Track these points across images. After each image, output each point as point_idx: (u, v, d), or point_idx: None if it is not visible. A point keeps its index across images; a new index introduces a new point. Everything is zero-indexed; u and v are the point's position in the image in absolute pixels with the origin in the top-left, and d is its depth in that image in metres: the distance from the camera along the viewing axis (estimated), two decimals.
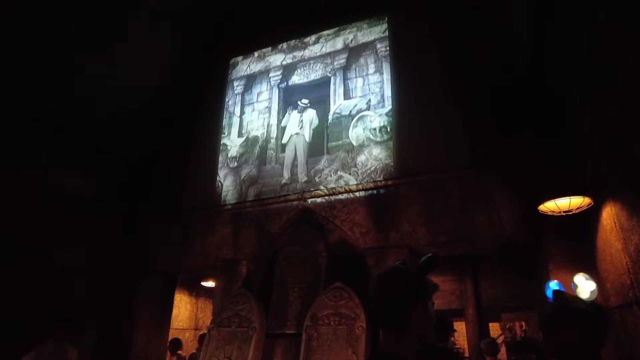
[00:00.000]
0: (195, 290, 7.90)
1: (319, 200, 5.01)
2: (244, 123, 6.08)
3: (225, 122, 6.23)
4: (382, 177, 4.78)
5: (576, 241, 3.71)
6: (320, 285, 4.46)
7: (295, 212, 5.10)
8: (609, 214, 2.98)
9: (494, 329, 7.14)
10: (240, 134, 6.04)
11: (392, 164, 4.82)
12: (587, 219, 3.48)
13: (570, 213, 3.11)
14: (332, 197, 4.94)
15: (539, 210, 3.28)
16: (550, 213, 3.21)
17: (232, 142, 6.05)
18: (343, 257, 4.69)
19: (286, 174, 5.42)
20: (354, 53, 5.67)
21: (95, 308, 5.41)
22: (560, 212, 3.15)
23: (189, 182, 6.05)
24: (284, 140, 5.69)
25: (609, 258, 3.14)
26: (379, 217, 4.63)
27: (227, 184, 5.79)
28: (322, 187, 5.04)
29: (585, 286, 3.80)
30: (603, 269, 3.34)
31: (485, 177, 4.30)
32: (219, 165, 5.99)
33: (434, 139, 4.68)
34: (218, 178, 5.90)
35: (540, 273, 4.39)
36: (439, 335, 4.97)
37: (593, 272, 3.59)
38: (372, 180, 4.82)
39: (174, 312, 8.16)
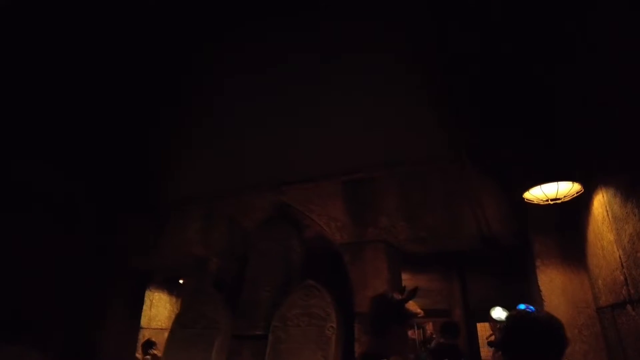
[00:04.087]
0: (176, 290, 7.59)
1: (293, 192, 4.69)
2: None
3: None
4: (360, 168, 4.46)
5: (564, 236, 3.42)
6: (293, 283, 4.14)
7: (269, 204, 4.78)
8: (600, 202, 2.67)
9: (484, 329, 6.85)
10: None
11: (370, 154, 4.50)
12: (576, 211, 3.19)
13: (559, 201, 2.81)
14: (308, 189, 4.62)
15: (524, 199, 2.97)
16: (536, 202, 2.91)
17: None
18: (318, 254, 4.38)
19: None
20: None
21: (63, 310, 5.05)
22: (547, 201, 2.84)
23: (163, 175, 5.71)
24: None
25: (600, 252, 2.84)
26: (356, 211, 4.32)
27: (199, 176, 5.45)
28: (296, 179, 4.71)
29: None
30: (594, 264, 3.04)
31: (469, 169, 3.99)
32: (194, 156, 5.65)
33: (415, 130, 4.36)
34: (190, 170, 5.56)
35: (528, 272, 4.10)
36: (449, 334, 4.72)
37: (583, 270, 3.30)
38: (350, 171, 4.50)
39: (153, 311, 7.82)
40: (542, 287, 3.42)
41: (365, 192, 4.34)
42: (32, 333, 4.38)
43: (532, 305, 3.38)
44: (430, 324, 6.27)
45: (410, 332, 1.60)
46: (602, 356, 3.00)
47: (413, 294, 1.67)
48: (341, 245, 4.23)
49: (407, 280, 5.69)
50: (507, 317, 2.95)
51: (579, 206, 3.07)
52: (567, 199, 2.80)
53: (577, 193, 2.81)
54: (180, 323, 4.15)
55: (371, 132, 4.56)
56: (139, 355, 5.87)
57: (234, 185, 5.10)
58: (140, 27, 4.15)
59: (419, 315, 1.69)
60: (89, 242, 5.42)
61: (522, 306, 5.10)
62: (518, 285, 5.07)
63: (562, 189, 2.73)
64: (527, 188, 2.84)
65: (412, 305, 1.65)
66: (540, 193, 2.79)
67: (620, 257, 2.46)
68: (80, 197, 5.53)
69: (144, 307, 7.75)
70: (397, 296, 1.65)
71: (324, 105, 4.87)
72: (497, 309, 4.64)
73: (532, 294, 3.98)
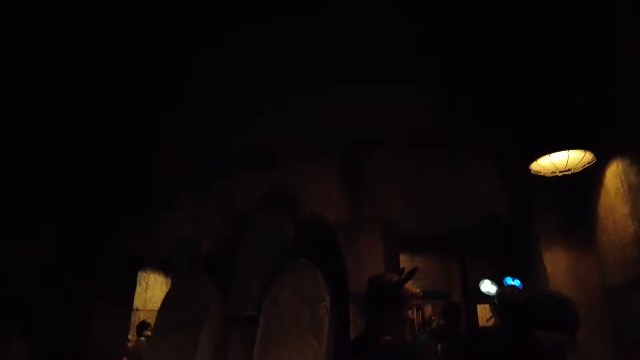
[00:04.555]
0: (172, 272, 7.45)
1: (286, 171, 4.47)
2: None
3: None
4: (355, 143, 4.23)
5: (571, 213, 3.21)
6: (286, 264, 3.96)
7: (261, 184, 4.57)
8: (614, 173, 2.46)
9: (484, 311, 6.72)
10: None
11: (366, 130, 4.26)
12: (585, 186, 2.97)
13: (569, 173, 2.59)
14: (301, 167, 4.40)
15: (530, 172, 2.76)
16: (544, 174, 2.69)
17: None
18: (312, 233, 4.19)
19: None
20: None
21: (51, 297, 4.87)
22: (555, 173, 2.63)
23: (153, 155, 5.48)
24: None
25: (612, 227, 2.64)
26: (351, 189, 4.11)
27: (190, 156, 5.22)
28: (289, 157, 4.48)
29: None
30: (604, 240, 2.85)
31: (468, 142, 3.76)
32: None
33: (412, 104, 4.11)
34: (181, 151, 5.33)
35: (531, 252, 3.91)
36: (450, 317, 4.57)
37: (591, 248, 3.11)
38: (344, 146, 4.27)
39: (149, 293, 7.71)
40: (547, 267, 3.24)
41: (361, 169, 4.12)
42: (17, 319, 4.23)
43: (538, 283, 3.20)
44: (430, 306, 6.14)
45: (409, 313, 1.50)
46: (610, 337, 2.83)
47: (412, 274, 1.61)
48: (336, 224, 4.04)
49: (405, 262, 5.50)
50: (499, 294, 2.78)
51: (588, 179, 2.86)
52: (577, 169, 2.59)
53: (588, 163, 2.59)
54: (168, 305, 3.98)
55: (367, 108, 4.33)
56: (131, 337, 5.75)
57: (225, 166, 4.89)
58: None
59: (418, 296, 1.65)
60: (75, 224, 5.23)
61: (508, 280, 4.96)
62: (520, 267, 4.91)
63: (573, 159, 2.51)
64: (534, 158, 2.62)
65: (410, 286, 1.61)
66: (549, 164, 2.58)
67: (635, 231, 2.26)
68: (64, 178, 5.31)
69: (140, 289, 7.64)
70: (396, 277, 1.61)
71: (318, 80, 4.63)
72: (485, 281, 4.47)
73: (535, 274, 3.80)
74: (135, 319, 6.65)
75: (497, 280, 5.85)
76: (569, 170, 2.61)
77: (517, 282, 4.95)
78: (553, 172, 2.64)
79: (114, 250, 5.03)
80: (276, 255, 4.06)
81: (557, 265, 3.23)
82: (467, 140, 3.72)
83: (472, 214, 3.74)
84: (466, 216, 3.79)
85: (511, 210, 3.58)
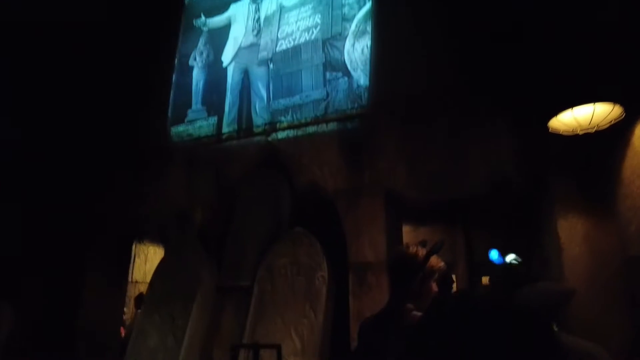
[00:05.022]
0: (165, 242, 7.33)
1: (283, 135, 4.22)
2: None
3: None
4: (356, 105, 3.94)
5: (590, 177, 2.95)
6: (282, 233, 3.77)
7: (256, 151, 4.32)
8: None
9: None
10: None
11: (369, 90, 3.96)
12: (607, 147, 2.70)
13: (592, 130, 2.32)
14: (299, 132, 4.14)
15: (549, 130, 2.48)
16: (562, 132, 2.42)
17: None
18: (310, 202, 3.97)
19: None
20: None
21: (40, 266, 4.72)
22: (576, 131, 2.35)
23: (144, 122, 5.22)
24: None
25: (638, 192, 2.38)
26: (352, 154, 3.85)
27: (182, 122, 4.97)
28: (283, 119, 4.21)
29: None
30: (627, 207, 2.59)
31: (478, 101, 3.46)
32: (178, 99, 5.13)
33: (417, 59, 3.80)
34: (172, 113, 5.07)
35: (543, 219, 3.67)
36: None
37: (610, 215, 2.86)
38: (344, 109, 3.99)
39: (148, 265, 7.60)
40: (561, 235, 3.00)
41: (363, 132, 3.86)
42: (8, 294, 4.10)
43: (551, 254, 2.97)
44: None
45: (433, 285, 1.53)
46: (627, 311, 2.63)
47: (438, 247, 1.54)
48: (335, 192, 3.81)
49: (409, 233, 5.32)
50: None
51: (612, 139, 2.58)
52: (603, 126, 2.30)
53: (615, 120, 2.31)
54: (160, 276, 3.83)
55: (370, 66, 4.01)
56: (127, 309, 5.66)
57: (218, 131, 4.64)
58: None
59: (443, 269, 1.62)
60: (66, 196, 5.03)
61: (494, 255, 4.77)
62: (530, 238, 4.69)
63: (599, 114, 2.23)
64: (554, 114, 2.34)
65: (434, 260, 1.56)
66: (571, 119, 2.30)
67: None
68: (55, 149, 5.08)
69: (139, 262, 7.54)
70: (421, 251, 1.54)
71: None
72: (510, 255, 4.30)
73: (547, 244, 3.58)
74: (135, 292, 6.55)
75: (504, 253, 5.68)
76: (592, 127, 2.33)
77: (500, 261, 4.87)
78: (574, 129, 2.37)
79: (105, 221, 4.86)
80: (272, 224, 3.86)
81: (572, 234, 2.99)
82: (476, 98, 3.43)
83: (481, 180, 3.49)
84: (475, 182, 3.53)
85: (523, 175, 3.31)
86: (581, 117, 2.25)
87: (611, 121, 2.30)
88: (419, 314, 1.41)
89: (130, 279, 6.44)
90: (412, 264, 1.51)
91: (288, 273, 3.30)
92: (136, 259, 7.86)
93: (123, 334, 5.12)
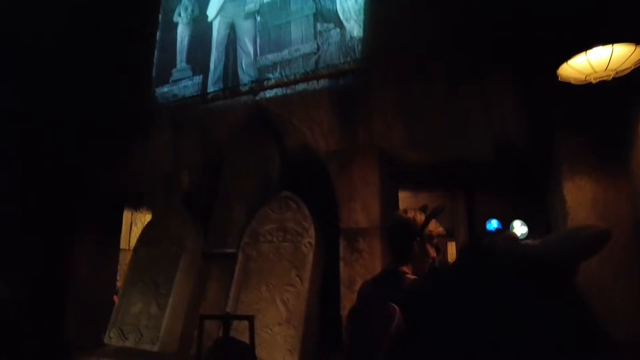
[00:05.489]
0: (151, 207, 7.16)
1: (271, 94, 3.93)
2: None
3: None
4: (349, 59, 3.63)
5: (601, 135, 2.67)
6: (270, 197, 3.57)
7: (244, 110, 4.06)
8: None
9: None
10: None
11: (361, 42, 3.63)
12: (621, 99, 2.41)
13: (608, 77, 2.03)
14: (288, 89, 3.85)
15: (558, 78, 2.19)
16: (573, 81, 2.13)
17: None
18: (300, 164, 3.75)
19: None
20: None
21: (26, 239, 4.57)
22: (589, 79, 2.06)
23: (128, 81, 4.93)
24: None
25: None
26: (344, 112, 3.58)
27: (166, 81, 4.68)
28: (271, 76, 3.92)
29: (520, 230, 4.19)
30: None
31: (480, 54, 3.14)
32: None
33: (415, 9, 3.44)
34: (156, 74, 4.78)
35: (549, 183, 3.42)
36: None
37: (622, 177, 2.61)
38: (337, 64, 3.68)
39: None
40: (567, 198, 2.76)
41: (356, 89, 3.57)
42: None
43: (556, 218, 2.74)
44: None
45: (431, 251, 1.50)
46: (638, 277, 2.43)
47: (436, 212, 1.52)
48: (326, 153, 3.57)
49: (409, 199, 5.11)
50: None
51: (629, 90, 2.29)
52: (622, 72, 2.01)
53: (635, 64, 2.01)
54: (144, 241, 3.69)
55: (364, 16, 3.66)
56: (120, 277, 5.59)
57: (203, 91, 4.36)
58: None
59: (442, 234, 1.59)
60: (50, 161, 4.83)
61: (492, 226, 4.60)
62: (534, 203, 4.46)
63: (617, 56, 1.93)
64: (566, 58, 2.04)
65: (433, 225, 1.53)
66: (585, 64, 2.00)
67: None
68: (36, 113, 4.84)
69: (135, 230, 7.46)
70: (420, 216, 1.52)
71: None
72: (515, 222, 4.16)
73: (552, 209, 3.35)
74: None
75: (507, 220, 5.47)
76: (609, 73, 2.04)
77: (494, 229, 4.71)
78: (587, 76, 2.07)
79: (90, 187, 4.69)
80: (260, 189, 3.66)
81: (580, 196, 2.75)
82: (478, 50, 3.10)
83: (483, 140, 3.23)
84: (476, 142, 3.28)
85: (528, 133, 3.04)
86: (596, 61, 1.96)
87: (631, 66, 2.00)
88: (413, 277, 1.45)
89: (128, 247, 6.36)
90: (409, 228, 1.51)
91: (274, 239, 3.12)
92: (133, 227, 7.80)
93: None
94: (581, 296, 0.75)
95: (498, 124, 3.07)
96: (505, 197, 5.01)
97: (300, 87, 3.79)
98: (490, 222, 5.32)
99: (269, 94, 3.94)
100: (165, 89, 4.64)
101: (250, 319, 1.74)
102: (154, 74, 4.81)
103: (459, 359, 0.66)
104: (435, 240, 1.54)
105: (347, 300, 3.07)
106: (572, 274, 0.89)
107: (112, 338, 3.36)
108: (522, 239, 1.29)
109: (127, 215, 6.80)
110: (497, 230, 5.33)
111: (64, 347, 3.73)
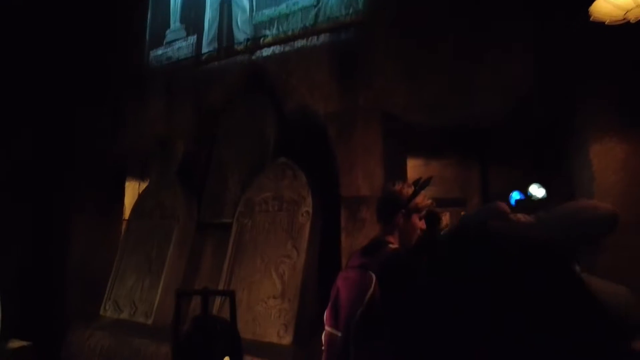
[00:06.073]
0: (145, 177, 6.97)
1: (268, 53, 3.64)
2: None
3: None
4: (351, 11, 3.29)
5: (634, 89, 2.34)
6: (267, 165, 3.35)
7: (240, 71, 3.79)
8: None
9: None
10: None
11: None
12: None
13: None
14: (286, 47, 3.55)
15: (590, 19, 1.86)
16: (608, 21, 1.81)
17: None
18: (298, 129, 3.49)
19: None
20: None
21: (16, 215, 4.41)
22: (629, 16, 1.73)
23: (118, 46, 4.67)
24: None
25: None
26: (345, 72, 3.28)
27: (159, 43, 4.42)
28: (267, 33, 3.61)
29: (538, 193, 4.08)
30: None
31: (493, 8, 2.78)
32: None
33: None
34: (150, 36, 4.51)
35: (572, 145, 3.09)
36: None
37: None
38: (337, 16, 3.34)
39: None
40: (594, 161, 2.47)
41: (358, 45, 3.24)
42: None
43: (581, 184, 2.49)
44: (447, 214, 5.55)
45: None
46: None
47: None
48: (326, 116, 3.30)
49: (419, 167, 4.82)
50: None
51: None
52: None
53: None
54: (137, 213, 3.55)
55: None
56: None
57: (197, 51, 4.09)
58: None
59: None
60: (42, 131, 4.66)
61: (516, 195, 4.34)
62: (553, 171, 4.13)
63: None
64: None
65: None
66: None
67: None
68: (24, 76, 4.63)
69: None
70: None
71: None
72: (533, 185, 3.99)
73: (574, 175, 3.04)
74: None
75: (524, 188, 5.15)
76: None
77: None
78: (627, 13, 1.74)
79: (84, 154, 4.53)
80: (257, 155, 3.44)
81: (608, 159, 2.45)
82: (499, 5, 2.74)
83: (497, 100, 2.90)
84: (489, 104, 2.96)
85: (548, 90, 2.70)
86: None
87: None
88: (395, 247, 1.49)
89: None
90: (394, 199, 1.54)
91: (269, 208, 2.92)
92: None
93: None
94: (578, 284, 0.70)
95: (514, 83, 2.73)
96: (521, 167, 4.68)
97: (299, 44, 3.49)
98: (512, 195, 4.99)
99: (266, 52, 3.65)
100: (160, 51, 4.38)
101: (231, 294, 1.55)
102: (147, 36, 4.54)
103: (413, 334, 0.66)
104: (423, 213, 1.57)
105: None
106: (571, 258, 0.84)
107: (107, 310, 3.27)
108: (514, 211, 1.10)
109: (134, 185, 6.67)
110: (516, 201, 5.01)
111: (58, 319, 3.68)
